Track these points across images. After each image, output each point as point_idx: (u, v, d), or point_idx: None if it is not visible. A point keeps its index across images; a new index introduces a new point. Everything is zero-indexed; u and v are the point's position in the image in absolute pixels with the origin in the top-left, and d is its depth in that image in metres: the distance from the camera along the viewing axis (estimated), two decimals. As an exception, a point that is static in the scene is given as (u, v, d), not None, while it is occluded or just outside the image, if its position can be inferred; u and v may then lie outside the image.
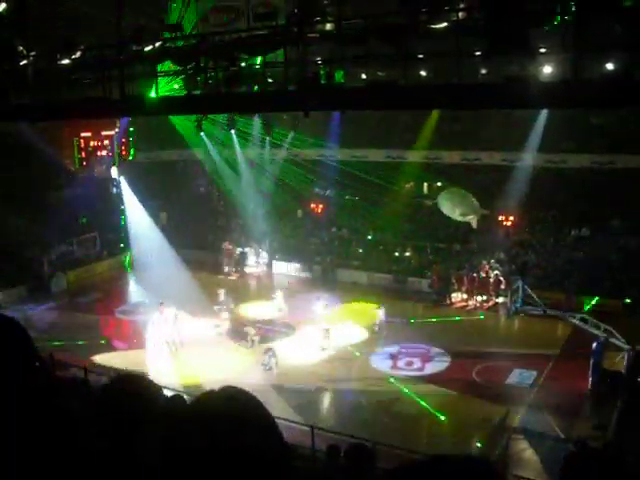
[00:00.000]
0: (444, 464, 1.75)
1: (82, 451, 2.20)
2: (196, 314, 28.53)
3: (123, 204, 40.03)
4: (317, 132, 37.03)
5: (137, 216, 38.98)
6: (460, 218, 32.16)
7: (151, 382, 2.95)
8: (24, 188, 36.27)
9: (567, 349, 25.11)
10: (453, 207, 31.71)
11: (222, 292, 29.43)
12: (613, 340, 22.98)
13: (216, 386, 1.84)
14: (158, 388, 2.99)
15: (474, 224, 32.08)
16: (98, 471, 2.20)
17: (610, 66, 10.58)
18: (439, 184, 38.12)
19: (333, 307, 29.17)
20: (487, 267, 31.49)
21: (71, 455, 2.15)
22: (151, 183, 40.91)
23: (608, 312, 27.63)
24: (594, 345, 22.44)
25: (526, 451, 18.33)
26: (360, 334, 27.20)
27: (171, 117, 33.65)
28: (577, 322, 25.60)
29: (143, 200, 39.35)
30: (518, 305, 29.50)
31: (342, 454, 6.80)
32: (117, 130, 41.16)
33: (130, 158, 41.55)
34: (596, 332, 23.76)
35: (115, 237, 40.16)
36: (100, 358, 24.90)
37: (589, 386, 21.24)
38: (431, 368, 24.28)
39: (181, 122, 35.73)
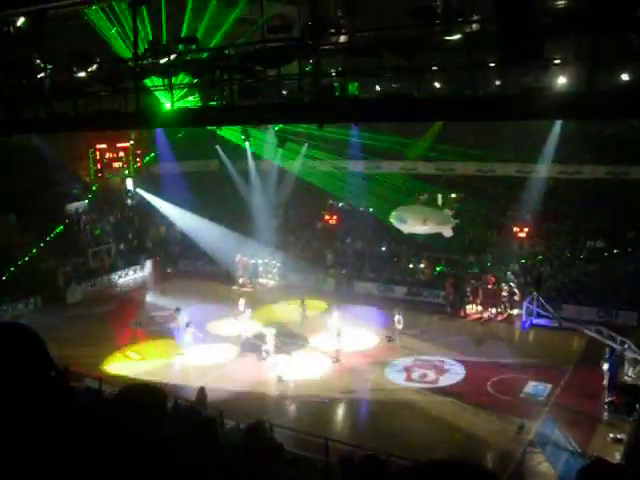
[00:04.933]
0: (441, 468, 1.75)
1: (93, 456, 2.21)
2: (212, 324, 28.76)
3: (141, 214, 40.31)
4: (331, 144, 37.15)
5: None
6: (430, 230, 32.02)
7: (159, 391, 2.95)
8: (40, 199, 36.61)
9: (582, 361, 24.93)
10: (423, 220, 31.52)
11: (242, 302, 29.40)
12: (629, 352, 22.78)
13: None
14: (165, 397, 3.00)
15: (447, 233, 31.91)
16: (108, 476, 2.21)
17: (625, 77, 10.55)
18: (453, 195, 38.08)
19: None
20: (493, 279, 31.40)
21: (81, 461, 2.17)
22: (166, 194, 41.19)
23: (624, 324, 27.45)
24: (610, 357, 22.27)
25: (542, 464, 18.17)
26: (373, 345, 27.13)
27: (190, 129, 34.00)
28: (593, 334, 25.38)
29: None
30: (533, 317, 29.34)
31: (355, 466, 6.77)
32: (132, 142, 41.54)
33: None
34: (612, 344, 23.56)
35: (130, 248, 40.38)
36: (114, 368, 25.02)
37: (605, 399, 21.04)
38: (445, 380, 24.15)
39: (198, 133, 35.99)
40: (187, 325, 26.41)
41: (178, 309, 27.35)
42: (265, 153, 38.77)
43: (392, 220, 33.06)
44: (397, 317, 27.10)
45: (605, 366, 21.87)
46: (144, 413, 2.81)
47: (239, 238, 37.46)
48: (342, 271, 36.13)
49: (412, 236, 34.01)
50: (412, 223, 31.75)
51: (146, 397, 3.05)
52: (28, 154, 34.30)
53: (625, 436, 18.73)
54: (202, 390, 19.51)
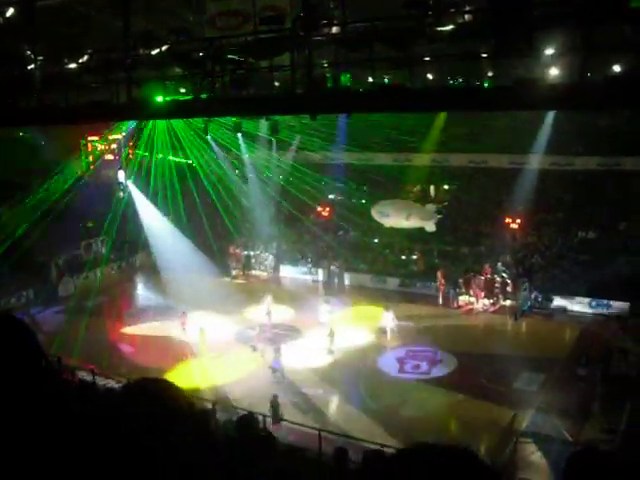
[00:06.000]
0: (429, 451, 1.76)
1: (90, 453, 2.20)
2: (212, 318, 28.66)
3: (133, 207, 40.11)
4: (324, 135, 37.04)
5: (151, 219, 39.20)
6: (412, 225, 32.37)
7: (172, 385, 2.94)
8: (33, 192, 36.42)
9: (575, 351, 25.02)
10: (407, 215, 31.86)
11: (268, 298, 28.68)
12: (622, 342, 22.91)
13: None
14: (179, 391, 2.98)
15: (429, 228, 32.23)
16: (107, 474, 2.20)
17: (617, 68, 10.57)
18: (446, 187, 38.17)
19: (338, 310, 29.21)
20: (489, 269, 31.52)
21: (78, 458, 2.15)
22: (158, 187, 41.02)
23: (616, 314, 27.58)
24: (602, 347, 22.37)
25: (534, 454, 18.26)
26: (366, 336, 27.17)
27: (174, 123, 33.90)
28: (584, 324, 25.54)
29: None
30: (525, 308, 29.45)
31: (362, 459, 6.76)
32: (124, 134, 41.29)
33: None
34: (604, 334, 23.71)
35: (122, 241, 40.21)
36: (108, 361, 24.96)
37: (597, 388, 21.14)
38: (438, 371, 24.23)
39: (185, 126, 35.88)
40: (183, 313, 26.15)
41: (184, 312, 27.13)
42: (257, 144, 38.64)
43: (373, 214, 33.25)
44: (390, 316, 27.09)
45: (582, 371, 21.69)
46: (158, 408, 2.78)
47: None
48: (335, 263, 36.14)
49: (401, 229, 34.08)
50: (394, 218, 31.98)
51: (159, 391, 3.03)
52: (18, 146, 34.15)
53: (617, 425, 18.82)
54: (275, 398, 19.28)
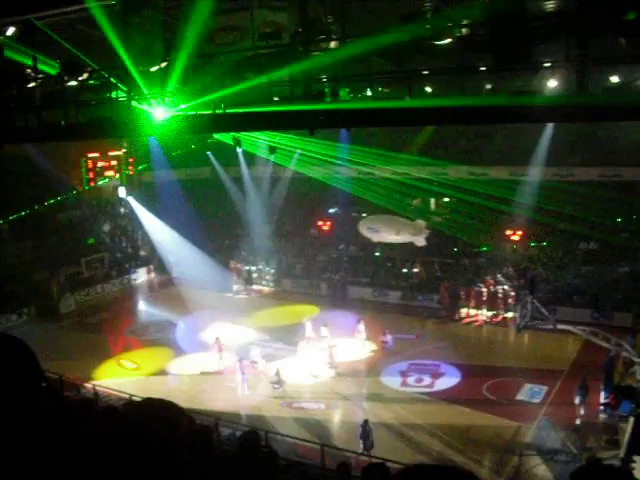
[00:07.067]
0: (426, 472, 1.76)
1: (89, 471, 2.19)
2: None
3: (134, 223, 40.15)
4: (323, 150, 37.09)
5: (159, 232, 39.20)
6: (402, 240, 32.33)
7: (174, 406, 2.94)
8: (32, 209, 36.52)
9: (578, 364, 24.94)
10: (396, 231, 31.84)
11: (308, 322, 27.66)
12: (624, 353, 22.79)
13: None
14: (181, 411, 2.98)
15: (419, 242, 32.18)
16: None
17: (615, 79, 10.61)
18: (446, 199, 38.16)
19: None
20: (492, 282, 31.44)
21: (77, 476, 2.15)
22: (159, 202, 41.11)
23: (618, 325, 27.48)
24: (605, 359, 22.25)
25: (538, 467, 18.16)
26: (367, 350, 27.07)
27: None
28: (587, 336, 25.38)
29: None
30: (527, 320, 29.32)
31: (362, 472, 6.70)
32: (125, 150, 41.43)
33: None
34: (607, 346, 23.55)
35: (124, 257, 40.25)
36: (109, 378, 24.87)
37: (601, 400, 21.03)
38: (441, 385, 24.14)
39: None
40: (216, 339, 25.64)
41: (218, 339, 26.80)
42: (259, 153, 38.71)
43: (361, 229, 33.14)
44: (388, 337, 27.06)
45: (577, 400, 21.29)
46: (162, 428, 2.78)
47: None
48: (335, 276, 36.06)
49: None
50: (384, 233, 31.90)
51: (163, 412, 3.03)
52: (19, 164, 34.23)
53: (621, 437, 18.72)
54: (367, 423, 18.86)
